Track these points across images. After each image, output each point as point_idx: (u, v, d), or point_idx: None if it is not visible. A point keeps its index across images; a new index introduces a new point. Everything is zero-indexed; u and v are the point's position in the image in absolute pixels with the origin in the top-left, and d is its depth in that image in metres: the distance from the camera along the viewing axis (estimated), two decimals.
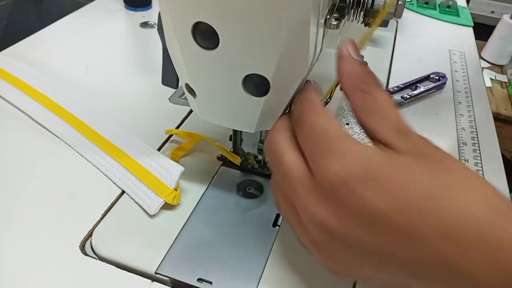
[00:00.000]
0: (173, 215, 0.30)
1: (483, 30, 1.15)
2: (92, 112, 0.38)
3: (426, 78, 0.49)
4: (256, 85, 0.24)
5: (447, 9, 0.70)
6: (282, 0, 0.19)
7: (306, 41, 0.21)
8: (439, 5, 0.71)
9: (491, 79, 1.02)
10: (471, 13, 1.29)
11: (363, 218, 0.19)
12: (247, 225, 0.30)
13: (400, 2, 0.27)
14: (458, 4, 0.72)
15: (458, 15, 0.69)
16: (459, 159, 0.38)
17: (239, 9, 0.20)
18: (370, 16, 0.27)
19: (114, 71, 0.48)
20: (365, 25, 0.28)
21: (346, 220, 0.19)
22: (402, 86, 0.48)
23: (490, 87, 1.00)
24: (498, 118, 0.97)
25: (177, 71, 0.27)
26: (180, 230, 0.29)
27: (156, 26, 0.56)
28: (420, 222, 0.18)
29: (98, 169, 0.33)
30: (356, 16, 0.28)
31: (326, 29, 0.25)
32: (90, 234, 0.29)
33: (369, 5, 0.27)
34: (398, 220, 0.18)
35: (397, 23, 0.64)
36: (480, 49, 1.14)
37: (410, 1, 0.72)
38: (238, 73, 0.23)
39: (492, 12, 1.23)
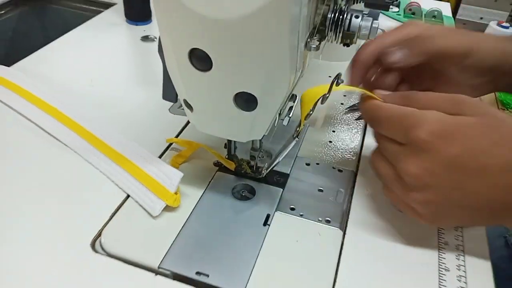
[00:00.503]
0: (173, 216, 0.34)
1: None
2: (98, 122, 0.42)
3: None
4: (246, 101, 0.27)
5: (433, 19, 0.74)
6: (264, 32, 0.23)
7: (286, 64, 0.25)
8: (425, 15, 0.74)
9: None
10: (460, 19, 1.34)
11: (446, 163, 0.27)
12: (240, 224, 0.34)
13: (374, 25, 0.31)
14: (443, 13, 0.75)
15: (442, 24, 0.72)
16: None
17: (229, 38, 0.24)
18: (347, 37, 0.31)
19: (117, 83, 0.51)
20: (344, 45, 0.32)
21: (433, 167, 0.27)
22: None
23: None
24: None
25: (176, 88, 0.30)
26: (180, 230, 0.33)
27: (156, 40, 0.60)
28: (486, 161, 0.26)
29: (105, 175, 0.37)
30: (335, 38, 0.31)
31: (306, 51, 0.28)
32: (99, 234, 0.32)
33: (346, 28, 0.31)
34: (471, 161, 0.26)
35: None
36: None
37: (398, 11, 0.75)
38: (230, 91, 0.27)
39: (481, 18, 1.27)
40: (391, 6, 0.75)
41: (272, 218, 0.34)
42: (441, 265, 0.31)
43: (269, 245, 0.32)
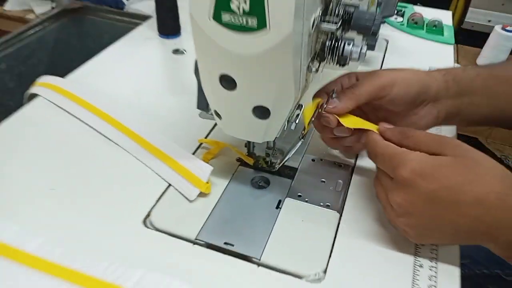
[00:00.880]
0: (206, 200, 0.43)
1: (480, 38, 1.24)
2: (142, 125, 0.51)
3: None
4: (262, 112, 0.36)
5: (434, 28, 0.80)
6: (274, 62, 0.31)
7: (291, 84, 0.33)
8: (426, 24, 0.81)
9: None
10: (469, 22, 1.39)
11: (425, 197, 0.33)
12: (257, 207, 0.43)
13: (363, 51, 0.39)
14: (444, 23, 0.82)
15: (442, 34, 0.79)
16: None
17: (249, 67, 0.32)
18: (341, 60, 0.39)
19: (154, 92, 0.60)
20: (339, 66, 0.40)
21: (414, 200, 0.34)
22: None
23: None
24: None
25: (208, 101, 0.39)
26: (211, 210, 0.42)
27: (185, 53, 0.69)
28: (459, 196, 0.32)
29: (151, 168, 0.46)
30: (332, 61, 0.40)
31: (309, 73, 0.37)
32: (149, 214, 0.42)
33: (340, 53, 0.39)
34: (446, 196, 0.32)
35: (387, 43, 0.75)
36: (476, 56, 1.23)
37: (401, 21, 0.82)
38: (249, 105, 0.35)
39: (489, 21, 1.32)
40: (394, 17, 0.83)
41: (283, 203, 0.43)
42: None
43: (280, 223, 0.41)
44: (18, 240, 0.37)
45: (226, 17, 0.30)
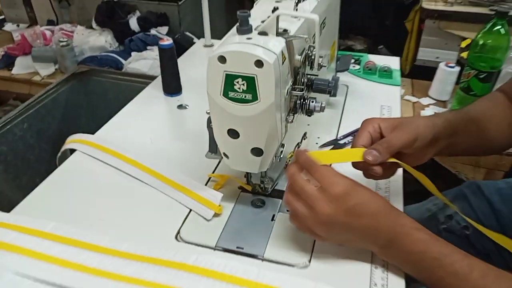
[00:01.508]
0: (219, 219, 0.58)
1: (431, 72, 1.46)
2: (161, 166, 0.67)
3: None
4: (257, 152, 0.52)
5: (384, 73, 1.00)
6: (264, 119, 0.48)
7: (277, 132, 0.50)
8: (378, 70, 1.01)
9: (435, 112, 1.31)
10: (421, 59, 1.61)
11: (344, 210, 0.47)
12: (258, 221, 0.58)
13: (323, 105, 0.57)
14: (392, 67, 1.01)
15: (391, 77, 0.99)
16: None
17: (247, 123, 0.49)
18: (308, 112, 0.57)
19: (166, 139, 0.77)
20: (308, 115, 0.57)
21: (337, 212, 0.47)
22: (347, 134, 0.77)
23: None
24: None
25: (218, 146, 0.55)
26: (224, 225, 0.57)
27: (187, 107, 0.86)
28: (369, 207, 0.47)
29: (174, 199, 0.62)
30: (302, 113, 0.57)
31: (286, 123, 0.54)
32: (178, 232, 0.57)
33: (307, 108, 0.56)
34: (361, 211, 0.47)
35: (347, 88, 0.93)
36: (428, 88, 1.44)
37: (358, 69, 1.02)
38: (248, 147, 0.52)
39: (437, 57, 1.54)
40: (353, 65, 1.02)
41: (276, 216, 0.59)
42: None
43: (275, 231, 0.57)
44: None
45: (231, 94, 0.47)
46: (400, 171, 0.68)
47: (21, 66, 1.53)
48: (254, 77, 0.46)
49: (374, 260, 0.52)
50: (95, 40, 1.48)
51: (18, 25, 1.91)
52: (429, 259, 0.45)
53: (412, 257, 0.46)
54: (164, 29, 1.51)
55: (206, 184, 0.65)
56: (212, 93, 0.48)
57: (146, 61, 1.33)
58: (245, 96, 0.47)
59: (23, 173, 1.10)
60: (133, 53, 1.42)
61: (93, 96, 1.28)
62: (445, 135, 0.56)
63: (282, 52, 0.47)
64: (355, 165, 0.54)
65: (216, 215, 0.59)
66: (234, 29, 0.50)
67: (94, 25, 1.59)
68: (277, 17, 0.48)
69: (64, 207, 0.61)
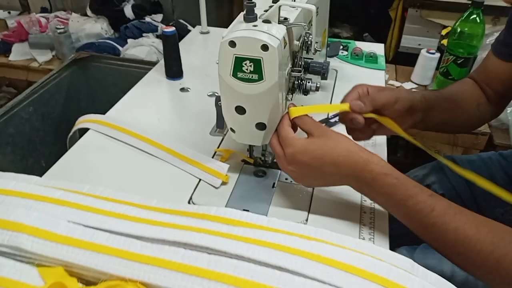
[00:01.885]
0: (226, 187, 0.66)
1: (414, 59, 1.54)
2: (171, 142, 0.74)
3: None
4: (261, 126, 0.60)
5: (370, 58, 1.08)
6: (268, 96, 0.56)
7: (278, 108, 0.57)
8: (365, 56, 1.09)
9: None
10: (404, 46, 1.69)
11: (304, 165, 0.55)
12: (260, 188, 0.66)
13: (318, 85, 0.64)
14: (378, 53, 1.09)
15: (377, 62, 1.07)
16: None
17: (253, 100, 0.56)
18: (305, 92, 0.64)
19: (172, 119, 0.83)
20: (304, 95, 0.65)
21: (299, 167, 0.56)
22: (336, 113, 0.85)
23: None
24: None
25: (226, 122, 0.63)
26: (231, 192, 0.65)
27: (189, 90, 0.92)
28: (323, 161, 0.54)
29: (185, 171, 0.69)
30: (300, 92, 0.64)
31: (286, 100, 0.61)
32: (191, 197, 0.64)
33: (304, 88, 0.64)
34: (315, 162, 0.55)
35: (337, 72, 1.01)
36: (410, 73, 1.53)
37: (346, 55, 1.09)
38: (253, 122, 0.59)
39: (419, 44, 1.63)
40: (341, 51, 1.09)
41: (276, 184, 0.67)
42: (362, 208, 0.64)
43: (276, 196, 0.65)
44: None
45: (240, 74, 0.54)
46: (384, 145, 0.77)
47: (18, 53, 1.57)
48: (260, 60, 0.53)
49: (363, 219, 0.61)
50: (91, 27, 1.53)
51: (9, 12, 1.93)
52: (396, 200, 0.52)
53: (381, 197, 0.54)
54: (159, 17, 1.56)
55: (212, 158, 0.72)
56: (223, 74, 0.55)
57: (143, 48, 1.38)
58: (252, 76, 0.54)
59: (29, 154, 1.16)
60: (129, 40, 1.47)
61: (93, 81, 1.33)
62: (421, 108, 0.65)
63: (284, 37, 0.54)
64: (341, 118, 0.64)
65: (223, 183, 0.66)
66: (240, 17, 0.56)
67: (89, 12, 1.63)
68: (279, 7, 0.55)
69: (83, 179, 0.68)
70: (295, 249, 0.40)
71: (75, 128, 0.84)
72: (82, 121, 0.84)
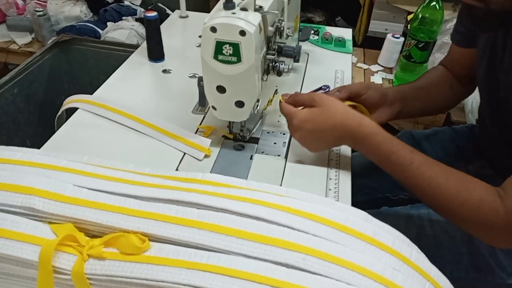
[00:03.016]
0: (209, 159, 0.73)
1: (381, 43, 1.64)
2: (156, 120, 0.80)
3: (319, 88, 0.94)
4: (240, 104, 0.67)
5: (339, 42, 1.16)
6: (246, 76, 0.63)
7: (255, 88, 0.65)
8: (334, 40, 1.16)
9: (382, 78, 1.50)
10: (372, 31, 1.78)
11: (309, 131, 0.66)
12: (239, 160, 0.74)
13: (290, 67, 0.72)
14: (346, 38, 1.18)
15: (345, 46, 1.15)
16: None
17: (233, 80, 0.64)
18: (278, 73, 0.72)
19: (155, 99, 0.90)
20: (278, 76, 0.73)
21: (306, 131, 0.66)
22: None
23: (382, 84, 1.48)
24: None
25: (208, 100, 0.70)
26: (213, 164, 0.72)
27: (171, 72, 0.98)
28: (324, 126, 0.65)
29: (172, 146, 0.76)
30: (274, 73, 0.72)
31: (262, 81, 0.69)
32: (177, 168, 0.71)
33: (278, 69, 0.71)
34: (317, 128, 0.65)
35: (308, 55, 1.09)
36: (377, 57, 1.62)
37: (317, 39, 1.17)
38: (233, 100, 0.67)
39: (386, 29, 1.72)
40: (312, 36, 1.17)
41: (253, 156, 0.75)
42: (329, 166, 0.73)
43: (253, 166, 0.73)
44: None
45: (220, 57, 0.61)
46: None
47: None
48: (238, 44, 0.60)
49: (329, 185, 0.70)
50: (70, 10, 1.55)
51: None
52: (382, 155, 0.62)
53: (371, 153, 0.64)
54: (138, 0, 1.60)
55: (195, 134, 0.79)
56: (205, 56, 0.62)
57: (123, 31, 1.42)
58: (231, 59, 0.61)
59: (14, 135, 1.20)
60: (109, 23, 1.50)
61: (75, 64, 1.37)
62: (396, 98, 0.77)
63: (259, 24, 0.62)
64: None
65: (206, 156, 0.74)
66: (219, 4, 0.63)
67: None
68: None
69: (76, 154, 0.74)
70: (269, 203, 0.48)
71: (64, 107, 0.89)
72: (72, 101, 0.89)
